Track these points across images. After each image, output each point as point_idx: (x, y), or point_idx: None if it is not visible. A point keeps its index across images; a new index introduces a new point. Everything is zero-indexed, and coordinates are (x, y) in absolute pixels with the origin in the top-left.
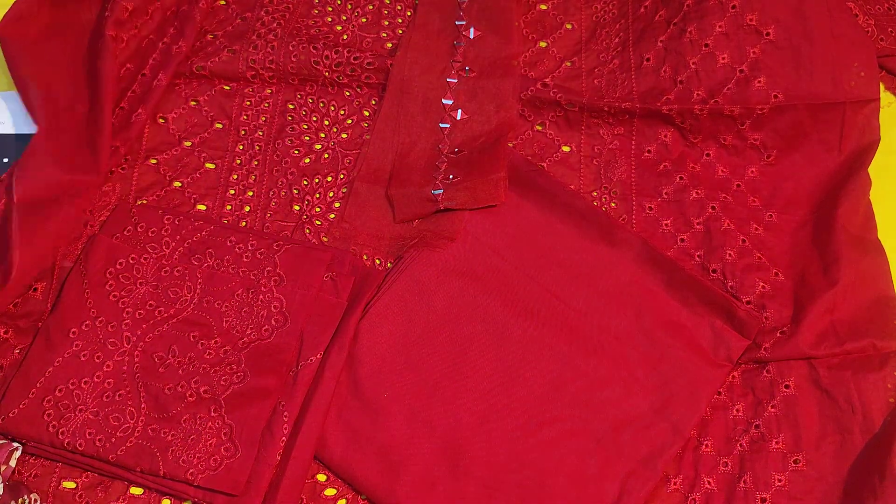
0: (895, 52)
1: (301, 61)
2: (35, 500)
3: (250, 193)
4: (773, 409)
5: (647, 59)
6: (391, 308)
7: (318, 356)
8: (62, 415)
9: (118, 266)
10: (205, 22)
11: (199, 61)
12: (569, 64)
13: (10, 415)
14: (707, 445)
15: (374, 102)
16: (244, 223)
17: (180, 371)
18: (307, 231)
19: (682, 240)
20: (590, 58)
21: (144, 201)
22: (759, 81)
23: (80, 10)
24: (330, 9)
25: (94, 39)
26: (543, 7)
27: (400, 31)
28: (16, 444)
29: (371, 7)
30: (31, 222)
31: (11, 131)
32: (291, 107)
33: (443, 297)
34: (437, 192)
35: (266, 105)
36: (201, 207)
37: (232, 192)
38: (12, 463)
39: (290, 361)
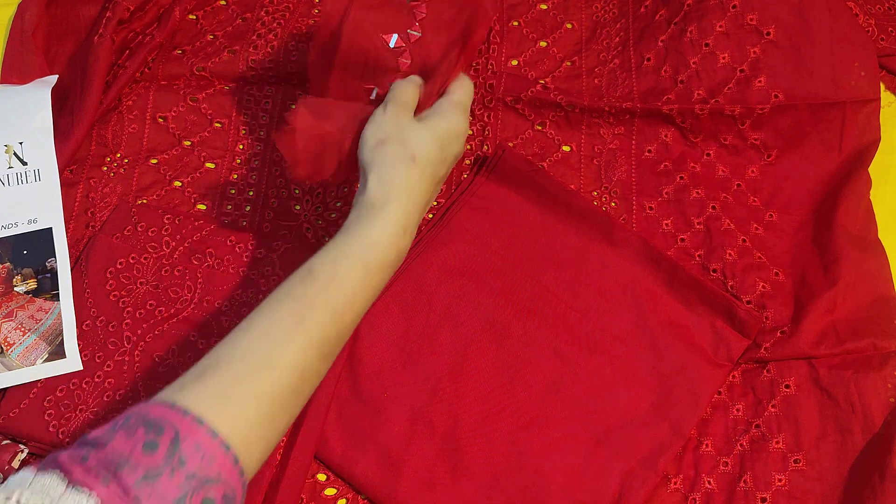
0: (895, 52)
1: (301, 61)
2: None
3: (251, 193)
4: (773, 409)
5: (648, 59)
6: (391, 308)
7: None
8: (63, 415)
9: (118, 266)
10: (205, 22)
11: (200, 62)
12: (569, 63)
13: (11, 414)
14: (707, 445)
15: None
16: (244, 223)
17: (181, 371)
18: (307, 231)
19: (683, 239)
20: (590, 57)
21: (145, 201)
22: (760, 81)
23: (81, 4)
24: None
25: (91, 37)
26: (543, 7)
27: None
28: (22, 447)
29: None
30: None
31: None
32: (292, 106)
33: (443, 297)
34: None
35: (267, 104)
36: (201, 207)
37: (232, 191)
38: (15, 464)
39: None
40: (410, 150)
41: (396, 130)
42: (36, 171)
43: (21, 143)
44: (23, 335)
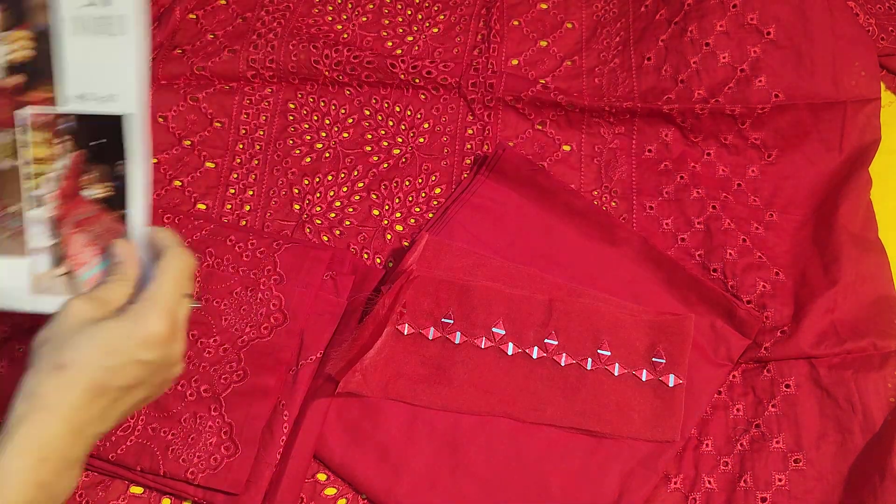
0: (895, 52)
1: (301, 60)
2: None
3: (250, 192)
4: (773, 409)
5: (648, 59)
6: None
7: (318, 355)
8: None
9: None
10: (205, 21)
11: (200, 61)
12: (569, 63)
13: None
14: (707, 445)
15: (374, 101)
16: (244, 222)
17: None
18: (307, 230)
19: (683, 239)
20: (590, 57)
21: None
22: (760, 81)
23: None
24: (330, 8)
25: None
26: (544, 6)
27: (400, 31)
28: None
29: (371, 6)
30: None
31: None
32: (292, 106)
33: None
34: None
35: (266, 104)
36: (201, 206)
37: (232, 191)
38: None
39: (289, 360)
40: (62, 355)
41: (60, 329)
42: (120, 19)
43: None
44: (94, 256)
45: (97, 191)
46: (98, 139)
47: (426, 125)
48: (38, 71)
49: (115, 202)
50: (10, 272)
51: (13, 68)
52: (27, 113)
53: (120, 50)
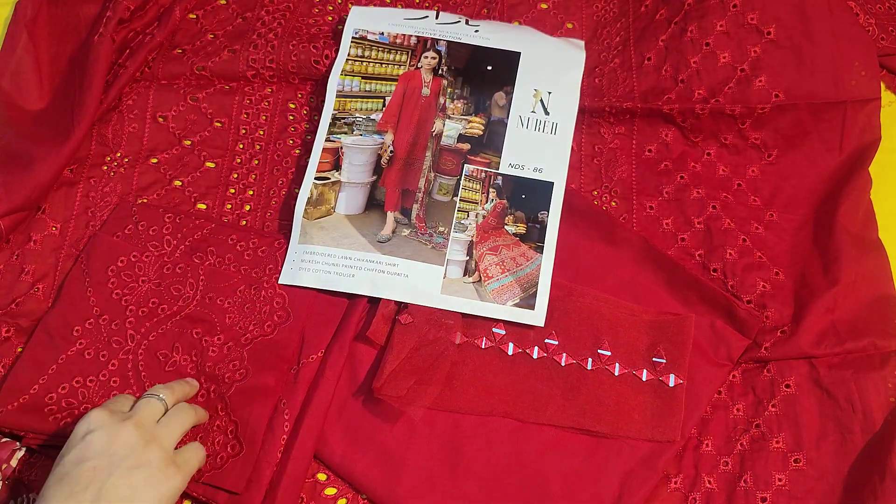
0: (895, 51)
1: (301, 60)
2: (34, 500)
3: (250, 192)
4: (773, 409)
5: (649, 59)
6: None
7: (319, 354)
8: (68, 411)
9: (119, 264)
10: (205, 21)
11: (200, 61)
12: None
13: (9, 407)
14: (707, 445)
15: None
16: (244, 222)
17: (187, 369)
18: None
19: (683, 239)
20: (591, 57)
21: (145, 200)
22: (760, 80)
23: (81, 4)
24: (330, 8)
25: (91, 37)
26: (544, 6)
27: None
28: (18, 444)
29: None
30: None
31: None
32: (292, 106)
33: None
34: None
35: (266, 104)
36: (201, 206)
37: (232, 190)
38: (13, 462)
39: (290, 358)
40: None
41: None
42: (554, 125)
43: (549, 94)
44: (501, 273)
45: (513, 228)
46: (519, 195)
47: None
48: (481, 143)
49: (527, 238)
50: (427, 275)
51: (463, 138)
52: (468, 169)
53: (550, 143)
